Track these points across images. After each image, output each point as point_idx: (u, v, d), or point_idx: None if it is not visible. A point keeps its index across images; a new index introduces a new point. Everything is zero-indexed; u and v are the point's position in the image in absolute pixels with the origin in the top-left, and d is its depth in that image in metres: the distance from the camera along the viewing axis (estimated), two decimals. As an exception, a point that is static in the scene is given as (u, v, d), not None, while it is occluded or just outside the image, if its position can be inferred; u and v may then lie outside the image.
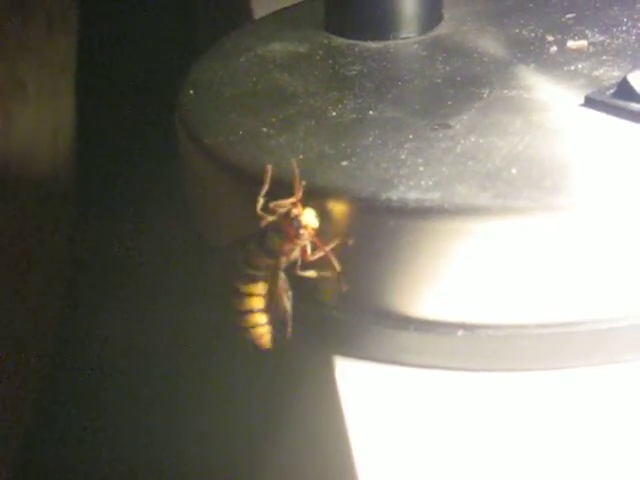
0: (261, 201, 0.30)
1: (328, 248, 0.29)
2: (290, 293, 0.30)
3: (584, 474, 0.27)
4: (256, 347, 0.31)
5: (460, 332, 0.29)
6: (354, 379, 0.30)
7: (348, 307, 0.31)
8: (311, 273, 0.30)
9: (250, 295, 0.31)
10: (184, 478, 0.58)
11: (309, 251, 0.30)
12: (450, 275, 0.29)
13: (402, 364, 0.31)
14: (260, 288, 0.31)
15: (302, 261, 0.30)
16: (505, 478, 0.27)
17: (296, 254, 0.30)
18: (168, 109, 0.38)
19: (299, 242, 0.29)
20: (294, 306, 0.30)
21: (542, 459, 0.27)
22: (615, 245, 0.29)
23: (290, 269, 0.30)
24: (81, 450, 0.65)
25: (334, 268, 0.29)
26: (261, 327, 0.31)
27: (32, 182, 0.71)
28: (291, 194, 0.30)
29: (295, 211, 0.29)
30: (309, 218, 0.29)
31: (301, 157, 0.31)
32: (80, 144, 0.75)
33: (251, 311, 0.31)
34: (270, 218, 0.30)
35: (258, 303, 0.31)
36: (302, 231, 0.29)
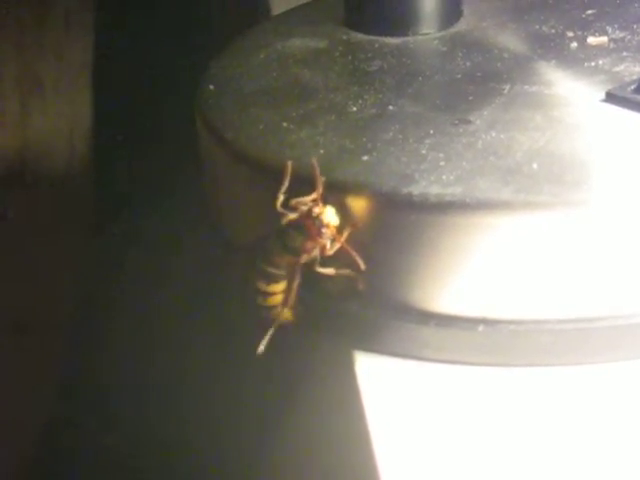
0: (281, 198, 0.30)
1: (346, 243, 0.29)
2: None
3: (603, 465, 0.27)
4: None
5: (481, 327, 0.29)
6: (374, 374, 0.30)
7: (369, 302, 0.31)
8: (329, 270, 0.30)
9: (271, 293, 0.31)
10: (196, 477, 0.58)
11: (328, 246, 0.30)
12: (471, 270, 0.29)
13: (423, 359, 0.30)
14: (280, 286, 0.31)
15: (321, 257, 0.30)
16: (523, 472, 0.27)
17: (316, 251, 0.30)
18: (186, 107, 0.38)
19: (321, 240, 0.29)
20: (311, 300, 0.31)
21: (561, 453, 0.27)
22: (636, 240, 0.28)
23: (309, 266, 0.30)
24: (89, 455, 0.65)
25: (358, 266, 0.29)
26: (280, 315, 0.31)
27: (48, 179, 0.71)
28: (311, 190, 0.30)
29: (317, 210, 0.29)
30: (330, 216, 0.29)
31: (322, 152, 0.31)
32: (97, 142, 0.75)
33: (272, 307, 0.31)
34: (291, 215, 0.30)
35: (278, 299, 0.31)
36: (324, 230, 0.29)
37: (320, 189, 0.29)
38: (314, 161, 0.29)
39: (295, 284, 0.30)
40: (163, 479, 0.60)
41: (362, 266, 0.29)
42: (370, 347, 0.31)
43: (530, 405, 0.29)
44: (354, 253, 0.29)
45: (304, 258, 0.30)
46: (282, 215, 0.30)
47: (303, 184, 0.30)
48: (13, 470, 0.65)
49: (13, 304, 0.66)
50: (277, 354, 0.31)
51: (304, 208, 0.30)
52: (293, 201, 0.30)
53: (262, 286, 0.31)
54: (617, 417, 0.28)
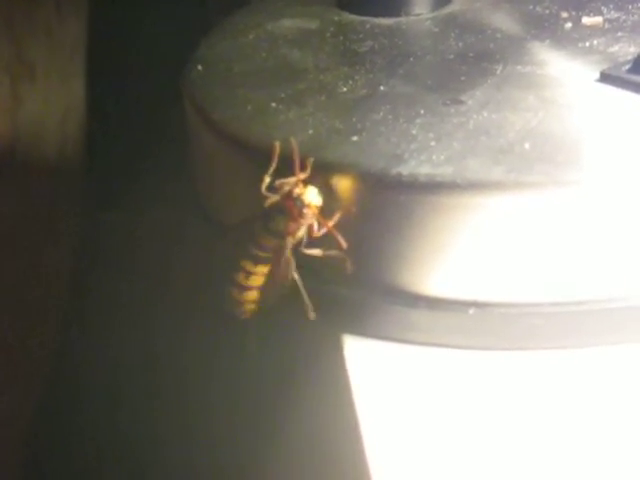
0: (267, 180, 0.30)
1: (332, 224, 0.29)
2: (295, 275, 0.30)
3: (592, 452, 0.26)
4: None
5: (472, 310, 0.29)
6: (364, 357, 0.30)
7: (357, 285, 0.30)
8: (317, 251, 0.30)
9: (254, 274, 0.30)
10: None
11: (316, 228, 0.29)
12: (461, 251, 0.29)
13: (412, 342, 0.30)
14: (266, 268, 0.30)
15: (308, 238, 0.30)
16: (516, 458, 0.26)
17: (302, 233, 0.30)
18: (179, 92, 0.38)
19: (303, 221, 0.29)
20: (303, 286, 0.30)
21: (552, 440, 0.27)
22: (629, 221, 0.28)
23: (296, 248, 0.30)
24: (82, 456, 0.65)
25: (340, 246, 0.29)
26: (251, 304, 0.31)
27: (40, 166, 0.70)
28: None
29: (297, 190, 0.29)
30: (312, 196, 0.29)
31: (310, 132, 0.31)
32: (89, 128, 0.75)
33: (250, 288, 0.30)
34: (274, 198, 0.29)
35: (259, 281, 0.30)
36: (305, 210, 0.29)
37: (301, 170, 0.29)
38: (293, 142, 0.29)
39: (281, 268, 0.30)
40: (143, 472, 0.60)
41: (344, 245, 0.29)
42: (359, 330, 0.31)
43: (520, 389, 0.28)
44: (335, 232, 0.29)
45: (289, 240, 0.29)
46: (266, 198, 0.30)
47: (291, 166, 0.29)
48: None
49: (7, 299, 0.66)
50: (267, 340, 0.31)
51: (286, 189, 0.29)
52: (277, 182, 0.29)
53: (247, 265, 0.30)
54: (608, 401, 0.28)
